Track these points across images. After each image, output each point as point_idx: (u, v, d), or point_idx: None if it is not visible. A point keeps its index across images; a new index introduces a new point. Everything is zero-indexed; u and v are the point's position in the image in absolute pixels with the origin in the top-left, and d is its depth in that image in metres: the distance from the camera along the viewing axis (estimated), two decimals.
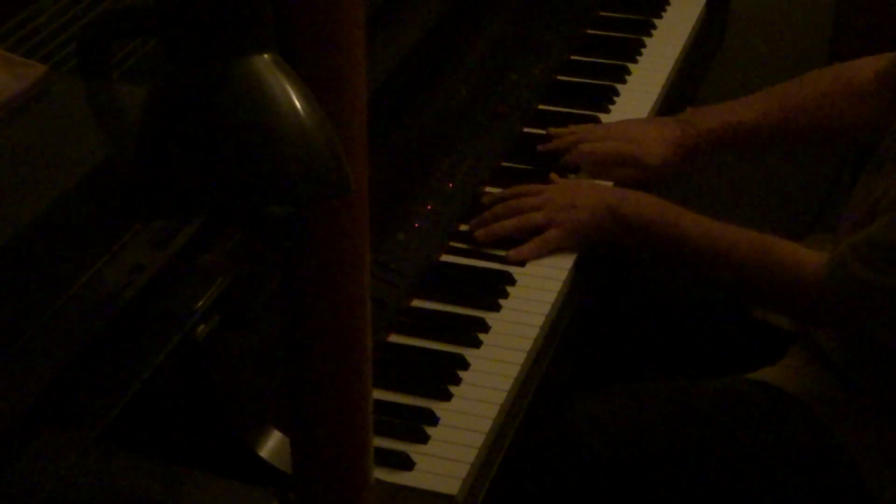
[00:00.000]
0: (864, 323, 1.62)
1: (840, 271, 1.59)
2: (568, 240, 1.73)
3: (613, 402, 1.73)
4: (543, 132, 1.98)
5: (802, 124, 1.91)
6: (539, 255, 1.71)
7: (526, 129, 1.99)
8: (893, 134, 1.71)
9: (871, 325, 1.61)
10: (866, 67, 1.90)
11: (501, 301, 1.66)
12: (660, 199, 1.74)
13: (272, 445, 1.28)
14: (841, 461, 1.66)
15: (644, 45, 2.21)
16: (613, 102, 2.07)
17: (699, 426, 1.70)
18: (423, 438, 1.45)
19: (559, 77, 2.12)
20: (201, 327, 1.24)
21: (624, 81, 2.12)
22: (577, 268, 1.74)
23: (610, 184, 1.85)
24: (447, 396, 1.51)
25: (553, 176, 1.85)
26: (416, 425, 1.46)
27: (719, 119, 1.92)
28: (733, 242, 1.68)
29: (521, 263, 1.71)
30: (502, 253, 1.73)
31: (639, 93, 2.10)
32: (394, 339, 1.59)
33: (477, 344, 1.59)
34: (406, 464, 1.41)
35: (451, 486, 1.39)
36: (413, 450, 1.43)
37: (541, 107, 2.04)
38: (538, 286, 1.70)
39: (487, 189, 1.85)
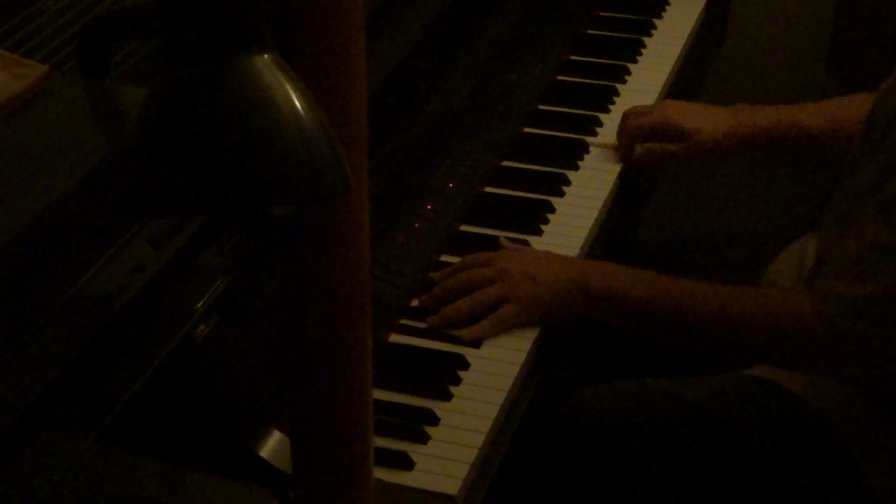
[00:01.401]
0: (874, 342, 1.60)
1: (827, 300, 1.59)
2: (525, 316, 1.61)
3: (613, 399, 1.73)
4: (544, 132, 1.98)
5: (844, 141, 1.87)
6: (494, 334, 1.59)
7: (526, 129, 1.99)
8: (865, 132, 1.72)
9: (881, 342, 1.60)
10: None
11: None
12: (627, 268, 1.67)
13: (272, 445, 1.28)
14: (839, 455, 1.67)
15: (644, 45, 2.21)
16: (613, 102, 2.07)
17: (699, 422, 1.70)
18: (423, 438, 1.45)
19: (559, 77, 2.12)
20: (201, 327, 1.24)
21: (624, 81, 2.12)
22: None
23: (572, 255, 1.74)
24: (447, 396, 1.51)
25: (503, 241, 1.73)
26: (416, 425, 1.46)
27: (774, 117, 1.91)
28: (723, 302, 1.63)
29: (476, 344, 1.58)
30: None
31: (639, 93, 2.10)
32: (394, 339, 1.59)
33: (477, 344, 1.59)
34: (406, 464, 1.41)
35: (451, 486, 1.39)
36: (413, 450, 1.43)
37: (541, 107, 2.04)
38: None
39: (488, 188, 1.85)
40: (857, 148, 1.72)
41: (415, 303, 1.64)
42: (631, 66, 2.15)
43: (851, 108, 1.88)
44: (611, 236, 1.85)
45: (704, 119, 1.90)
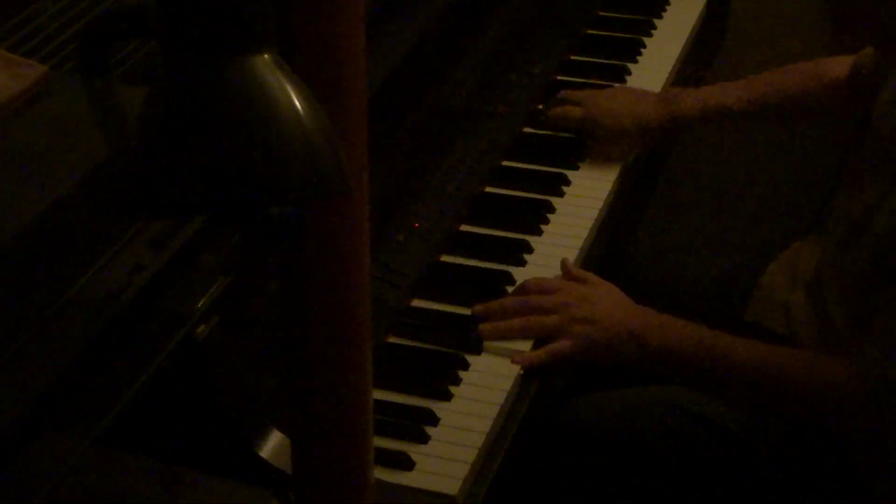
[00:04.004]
0: None
1: (869, 379, 1.56)
2: (579, 354, 1.61)
3: (612, 406, 1.73)
4: (544, 132, 1.98)
5: (778, 111, 1.98)
6: (545, 364, 1.59)
7: (526, 129, 1.99)
8: (867, 146, 1.72)
9: None
10: (842, 62, 1.95)
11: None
12: (681, 322, 1.64)
13: (272, 445, 1.28)
14: (840, 462, 1.67)
15: (644, 45, 2.21)
16: None
17: (697, 429, 1.70)
18: (423, 438, 1.45)
19: (559, 77, 2.12)
20: (201, 327, 1.24)
21: (624, 81, 2.12)
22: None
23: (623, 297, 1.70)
24: (447, 396, 1.51)
25: (565, 262, 1.73)
26: (416, 425, 1.46)
27: (701, 102, 1.97)
28: (769, 365, 1.61)
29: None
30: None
31: None
32: (394, 339, 1.59)
33: (478, 348, 1.59)
34: (406, 464, 1.41)
35: (451, 486, 1.39)
36: (413, 450, 1.43)
37: (541, 107, 2.04)
38: None
39: (488, 188, 1.85)
40: (859, 164, 1.72)
41: (415, 303, 1.65)
42: (631, 66, 2.15)
43: (772, 83, 1.99)
44: (610, 237, 1.86)
45: (630, 112, 1.95)
